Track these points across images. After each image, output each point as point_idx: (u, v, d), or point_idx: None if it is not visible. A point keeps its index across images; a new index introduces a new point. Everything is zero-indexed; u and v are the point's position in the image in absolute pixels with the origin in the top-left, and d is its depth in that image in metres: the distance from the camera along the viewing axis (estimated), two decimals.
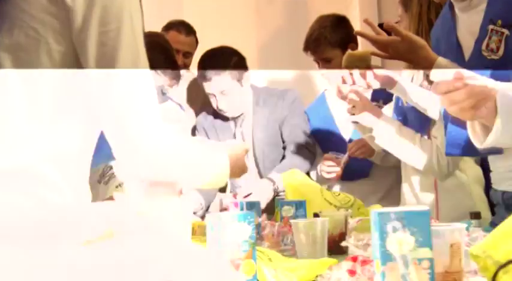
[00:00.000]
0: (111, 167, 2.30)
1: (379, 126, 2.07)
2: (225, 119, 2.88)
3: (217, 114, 2.88)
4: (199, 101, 3.10)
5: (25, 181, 1.24)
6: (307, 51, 2.69)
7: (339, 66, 2.32)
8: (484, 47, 1.72)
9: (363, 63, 2.00)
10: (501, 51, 1.63)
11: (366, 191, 2.53)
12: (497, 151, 1.75)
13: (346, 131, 2.68)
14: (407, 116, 2.19)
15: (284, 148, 2.77)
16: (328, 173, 2.53)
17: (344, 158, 2.49)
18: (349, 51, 2.04)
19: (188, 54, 3.17)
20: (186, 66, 3.13)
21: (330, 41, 2.61)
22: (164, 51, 2.44)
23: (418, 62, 1.78)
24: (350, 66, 2.00)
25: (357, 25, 3.82)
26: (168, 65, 2.49)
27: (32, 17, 1.22)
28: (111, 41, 1.21)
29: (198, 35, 3.70)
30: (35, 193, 1.24)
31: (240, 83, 2.77)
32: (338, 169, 2.49)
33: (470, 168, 2.21)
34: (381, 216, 0.89)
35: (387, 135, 2.07)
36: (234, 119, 2.86)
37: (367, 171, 2.59)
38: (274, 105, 2.83)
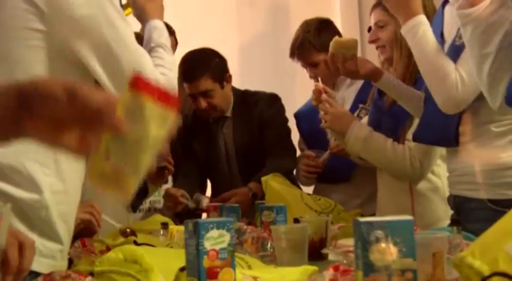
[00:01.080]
0: None
1: (349, 133, 2.09)
2: (205, 120, 2.85)
3: (197, 115, 2.86)
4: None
5: None
6: (293, 57, 2.68)
7: (327, 70, 2.40)
8: (457, 37, 1.75)
9: (349, 51, 2.03)
10: None
11: (347, 194, 2.51)
12: (456, 143, 1.79)
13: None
14: (382, 118, 2.19)
15: (265, 152, 2.74)
16: (307, 172, 2.52)
17: (324, 155, 2.47)
18: (336, 37, 2.05)
19: None
20: None
21: (315, 45, 2.59)
22: None
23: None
24: (336, 52, 2.02)
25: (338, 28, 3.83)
26: None
27: (11, 17, 1.23)
28: (104, 31, 1.25)
29: (178, 37, 3.65)
30: None
31: (221, 84, 2.75)
32: (317, 169, 2.49)
33: (445, 172, 2.22)
34: (364, 225, 0.87)
35: (358, 141, 2.09)
36: (216, 121, 2.84)
37: (349, 174, 2.57)
38: (256, 109, 2.81)
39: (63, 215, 1.34)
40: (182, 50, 3.74)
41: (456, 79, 1.68)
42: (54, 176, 1.30)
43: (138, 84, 0.73)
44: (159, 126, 0.75)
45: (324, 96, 2.17)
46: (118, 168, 0.74)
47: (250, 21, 3.98)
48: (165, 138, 0.76)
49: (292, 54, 2.68)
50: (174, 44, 3.21)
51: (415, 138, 1.97)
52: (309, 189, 2.73)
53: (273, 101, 2.85)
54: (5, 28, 1.24)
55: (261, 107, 2.81)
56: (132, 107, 0.72)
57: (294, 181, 2.64)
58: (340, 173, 2.56)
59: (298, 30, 2.69)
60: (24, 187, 1.26)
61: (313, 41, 2.59)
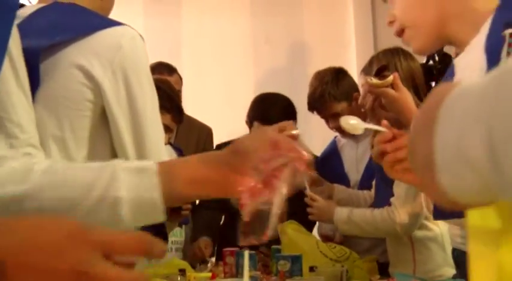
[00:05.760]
0: None
1: (335, 220, 2.27)
2: None
3: None
4: (191, 141, 3.10)
5: None
6: (313, 110, 2.64)
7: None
8: None
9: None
10: None
11: (370, 243, 2.51)
12: None
13: (356, 178, 2.64)
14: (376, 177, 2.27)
15: None
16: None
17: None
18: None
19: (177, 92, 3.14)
20: None
21: (335, 95, 2.56)
22: (170, 97, 2.42)
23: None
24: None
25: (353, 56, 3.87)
26: (175, 110, 2.47)
27: (67, 89, 1.27)
28: (139, 108, 1.27)
29: (197, 73, 3.72)
30: None
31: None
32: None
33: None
34: None
35: (342, 225, 2.27)
36: None
37: None
38: None
39: None
40: (200, 85, 3.82)
41: None
42: None
43: None
44: None
45: (308, 192, 2.28)
46: None
47: (267, 59, 4.04)
48: None
49: (312, 108, 2.62)
50: (180, 80, 3.22)
51: (438, 218, 2.01)
52: None
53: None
54: (56, 95, 1.26)
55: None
56: None
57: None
58: None
59: (313, 82, 2.64)
60: None
61: (333, 92, 2.56)
